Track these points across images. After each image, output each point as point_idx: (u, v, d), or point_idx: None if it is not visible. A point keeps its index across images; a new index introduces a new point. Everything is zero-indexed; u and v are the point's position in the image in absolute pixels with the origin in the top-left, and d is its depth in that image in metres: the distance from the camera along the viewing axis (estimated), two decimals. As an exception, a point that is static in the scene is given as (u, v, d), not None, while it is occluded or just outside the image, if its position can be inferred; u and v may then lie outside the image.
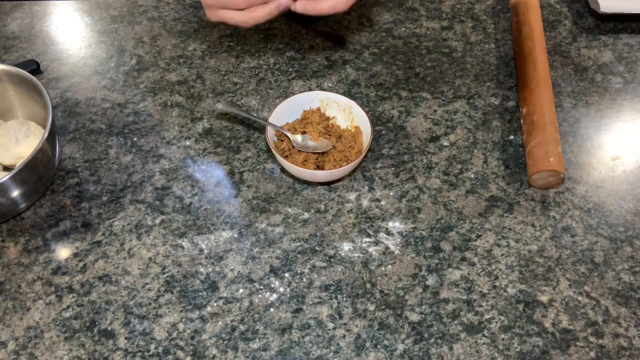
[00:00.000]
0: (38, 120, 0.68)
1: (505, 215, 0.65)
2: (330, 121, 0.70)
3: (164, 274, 0.60)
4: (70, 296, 0.59)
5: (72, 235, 0.63)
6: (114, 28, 0.86)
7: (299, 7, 0.63)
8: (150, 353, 0.55)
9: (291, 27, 0.85)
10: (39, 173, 0.61)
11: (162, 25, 0.86)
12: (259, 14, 0.62)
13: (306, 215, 0.65)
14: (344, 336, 0.56)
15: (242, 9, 0.62)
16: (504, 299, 0.58)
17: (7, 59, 0.81)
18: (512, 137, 0.72)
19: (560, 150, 0.65)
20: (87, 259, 0.61)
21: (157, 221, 0.64)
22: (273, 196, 0.66)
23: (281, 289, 0.59)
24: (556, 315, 0.57)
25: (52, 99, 0.71)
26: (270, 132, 0.65)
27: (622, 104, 0.76)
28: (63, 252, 0.62)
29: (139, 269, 0.60)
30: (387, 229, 0.63)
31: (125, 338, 0.56)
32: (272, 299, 0.58)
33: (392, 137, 0.72)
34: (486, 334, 0.56)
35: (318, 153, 0.66)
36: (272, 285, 0.59)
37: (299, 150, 0.66)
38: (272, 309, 0.58)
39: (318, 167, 0.66)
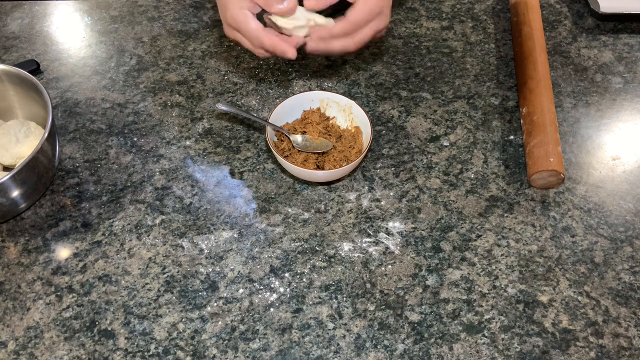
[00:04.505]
0: (38, 120, 0.68)
1: (505, 215, 0.65)
2: (330, 121, 0.70)
3: (164, 274, 0.60)
4: (70, 296, 0.59)
5: (72, 235, 0.63)
6: (114, 28, 0.86)
7: (311, 47, 0.64)
8: (150, 353, 0.55)
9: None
10: (39, 173, 0.61)
11: (162, 25, 0.86)
12: (266, 54, 0.64)
13: (306, 215, 0.65)
14: (344, 336, 0.56)
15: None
16: (504, 299, 0.58)
17: (7, 59, 0.81)
18: (512, 137, 0.72)
19: (560, 150, 0.65)
20: (87, 259, 0.61)
21: (157, 221, 0.64)
22: (273, 196, 0.66)
23: (281, 289, 0.59)
24: (556, 315, 0.57)
25: (52, 99, 0.71)
26: (270, 132, 0.65)
27: (622, 104, 0.76)
28: (63, 252, 0.62)
29: (139, 269, 0.60)
30: (387, 229, 0.63)
31: (125, 338, 0.56)
32: (272, 299, 0.58)
33: (392, 137, 0.72)
34: (486, 334, 0.56)
35: (318, 153, 0.66)
36: (272, 285, 0.59)
37: (299, 150, 0.66)
38: (272, 309, 0.58)
39: (318, 167, 0.66)
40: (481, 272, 0.60)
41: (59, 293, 0.59)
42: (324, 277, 0.60)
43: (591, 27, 0.86)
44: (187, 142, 0.72)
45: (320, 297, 0.58)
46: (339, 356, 0.54)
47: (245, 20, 0.60)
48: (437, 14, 0.87)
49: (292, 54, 0.61)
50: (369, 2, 0.60)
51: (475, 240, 0.63)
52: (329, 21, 0.62)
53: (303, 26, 0.62)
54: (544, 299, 0.58)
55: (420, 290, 0.59)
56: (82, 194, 0.67)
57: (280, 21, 0.62)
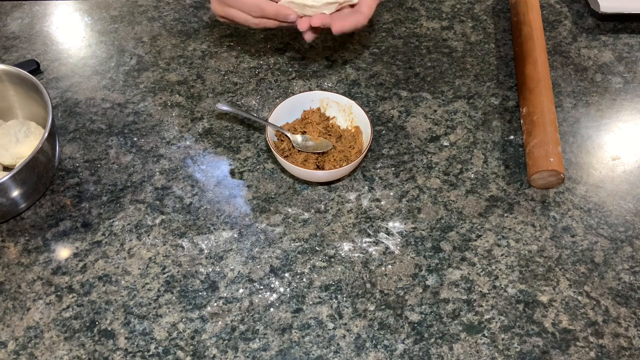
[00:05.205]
0: (38, 120, 0.68)
1: (505, 215, 0.65)
2: (330, 121, 0.70)
3: (164, 274, 0.60)
4: (70, 296, 0.59)
5: (72, 235, 0.63)
6: (114, 28, 0.86)
7: (333, 27, 0.62)
8: (150, 353, 0.55)
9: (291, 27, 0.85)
10: (39, 173, 0.61)
11: (162, 25, 0.86)
12: (268, 24, 0.63)
13: (306, 215, 0.65)
14: (344, 336, 0.56)
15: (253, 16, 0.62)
16: (504, 299, 0.58)
17: (7, 59, 0.81)
18: (512, 137, 0.72)
19: (560, 150, 0.65)
20: (87, 259, 0.61)
21: (157, 221, 0.64)
22: (273, 196, 0.66)
23: (281, 289, 0.59)
24: (556, 315, 0.57)
25: (52, 99, 0.71)
26: (270, 132, 0.65)
27: (622, 104, 0.76)
28: (63, 252, 0.62)
29: (139, 269, 0.60)
30: (387, 229, 0.63)
31: (125, 338, 0.56)
32: (272, 299, 0.58)
33: (392, 137, 0.72)
34: (486, 334, 0.56)
35: (318, 153, 0.66)
36: (272, 285, 0.59)
37: (299, 150, 0.66)
38: (272, 309, 0.58)
39: (318, 167, 0.66)
40: (481, 272, 0.60)
41: (59, 293, 0.59)
42: (324, 277, 0.60)
43: (591, 27, 0.86)
44: (187, 142, 0.72)
45: (320, 297, 0.58)
46: (339, 356, 0.54)
47: None
48: (437, 14, 0.87)
49: (294, 17, 0.60)
50: None
51: (475, 240, 0.63)
52: None
53: (332, 3, 0.61)
54: (544, 299, 0.58)
55: (420, 290, 0.59)
56: (82, 194, 0.67)
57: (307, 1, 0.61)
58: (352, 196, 0.66)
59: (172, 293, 0.59)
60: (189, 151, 0.71)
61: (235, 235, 0.63)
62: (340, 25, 0.61)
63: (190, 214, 0.65)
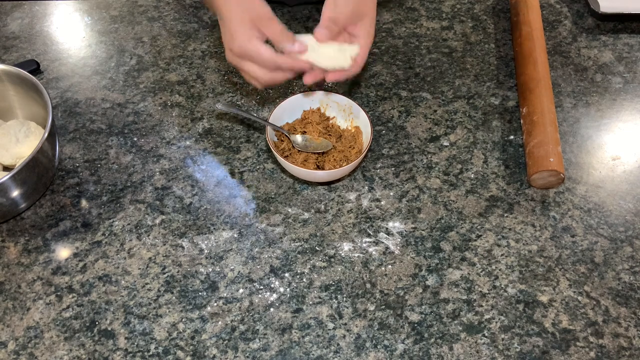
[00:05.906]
0: (38, 120, 0.68)
1: (505, 215, 0.65)
2: (330, 121, 0.70)
3: (164, 274, 0.60)
4: (70, 296, 0.59)
5: (72, 235, 0.63)
6: (114, 28, 0.86)
7: (330, 78, 0.62)
8: (150, 353, 0.55)
9: (291, 26, 0.85)
10: (39, 173, 0.61)
11: (162, 25, 0.86)
12: (279, 77, 0.61)
13: (306, 215, 0.65)
14: (344, 336, 0.56)
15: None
16: (504, 299, 0.58)
17: (7, 59, 0.81)
18: (512, 137, 0.72)
19: (560, 150, 0.65)
20: (87, 259, 0.61)
21: (157, 221, 0.64)
22: (273, 196, 0.66)
23: (281, 289, 0.59)
24: (556, 315, 0.57)
25: (52, 99, 0.71)
26: (270, 132, 0.65)
27: (622, 104, 0.76)
28: (63, 252, 0.62)
29: (139, 269, 0.60)
30: (387, 229, 0.63)
31: (125, 338, 0.56)
32: (272, 299, 0.58)
33: (392, 137, 0.72)
34: (486, 334, 0.56)
35: (318, 153, 0.66)
36: (272, 285, 0.59)
37: (299, 150, 0.66)
38: (272, 309, 0.58)
39: (318, 167, 0.66)
40: (481, 272, 0.60)
41: (59, 293, 0.59)
42: (324, 277, 0.60)
43: (591, 27, 0.86)
44: (187, 142, 0.72)
45: (320, 297, 0.58)
46: (339, 356, 0.54)
47: (256, 49, 0.58)
48: (437, 14, 0.87)
49: (308, 67, 0.61)
50: (370, 38, 0.62)
51: (475, 240, 0.63)
52: (357, 48, 0.62)
53: (344, 62, 0.61)
54: (544, 299, 0.58)
55: (420, 290, 0.59)
56: (82, 194, 0.67)
57: (323, 62, 0.60)
58: (352, 196, 0.66)
59: (172, 293, 0.59)
60: (189, 151, 0.71)
61: (235, 235, 0.63)
62: (333, 76, 0.62)
63: (190, 214, 0.65)
